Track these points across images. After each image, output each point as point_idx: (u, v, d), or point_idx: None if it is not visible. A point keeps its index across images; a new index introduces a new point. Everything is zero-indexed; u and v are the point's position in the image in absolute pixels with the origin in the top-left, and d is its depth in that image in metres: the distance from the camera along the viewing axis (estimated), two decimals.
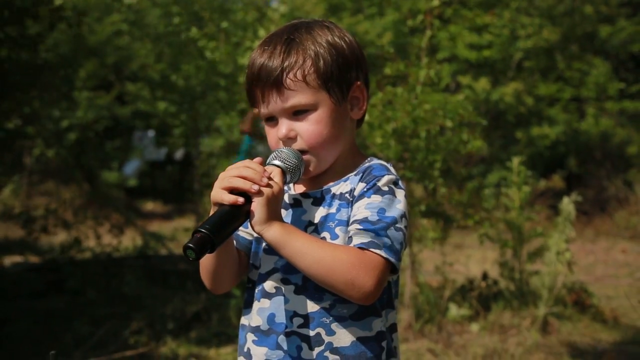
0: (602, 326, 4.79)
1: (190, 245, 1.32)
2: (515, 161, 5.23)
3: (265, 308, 1.52)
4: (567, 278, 5.07)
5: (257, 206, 1.40)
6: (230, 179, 1.41)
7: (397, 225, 1.44)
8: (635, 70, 11.63)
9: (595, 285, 6.01)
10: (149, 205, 13.70)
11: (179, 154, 14.80)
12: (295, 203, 1.56)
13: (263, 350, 1.51)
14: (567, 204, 4.88)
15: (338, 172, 1.56)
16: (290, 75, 1.48)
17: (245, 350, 1.55)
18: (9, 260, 6.85)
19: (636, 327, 4.82)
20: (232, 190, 1.40)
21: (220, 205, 1.41)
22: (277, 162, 1.48)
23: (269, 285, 1.53)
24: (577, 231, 5.02)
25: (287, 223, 1.46)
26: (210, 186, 1.46)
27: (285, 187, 1.58)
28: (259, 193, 1.40)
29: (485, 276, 5.50)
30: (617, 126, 10.53)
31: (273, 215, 1.42)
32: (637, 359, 4.18)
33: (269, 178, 1.43)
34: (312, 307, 1.48)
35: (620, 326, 4.83)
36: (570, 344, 4.37)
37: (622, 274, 6.77)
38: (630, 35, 10.49)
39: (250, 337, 1.54)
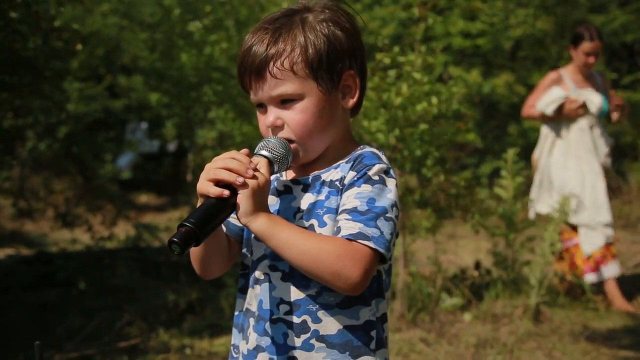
0: (594, 314, 4.81)
1: (175, 239, 1.33)
2: (511, 152, 5.22)
3: (258, 294, 1.52)
4: (559, 267, 5.09)
5: (243, 198, 1.40)
6: (215, 171, 1.41)
7: (387, 215, 1.43)
8: (628, 60, 11.62)
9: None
10: (143, 198, 13.65)
11: (172, 146, 14.73)
12: (286, 190, 1.56)
13: (255, 335, 1.52)
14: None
15: (329, 159, 1.55)
16: (278, 63, 1.46)
17: (248, 334, 1.55)
18: (0, 252, 6.82)
19: (628, 315, 4.84)
20: (218, 182, 1.40)
21: (206, 197, 1.40)
22: (264, 152, 1.47)
23: (258, 271, 1.54)
24: None
25: (273, 214, 1.45)
26: None
27: (277, 175, 1.58)
28: (244, 185, 1.39)
29: (477, 265, 5.51)
30: None
31: (259, 206, 1.41)
32: (629, 347, 4.20)
33: (255, 169, 1.42)
34: (298, 294, 1.47)
35: (613, 315, 4.85)
36: (563, 332, 4.39)
37: None
38: (622, 25, 10.46)
39: (252, 321, 1.54)
